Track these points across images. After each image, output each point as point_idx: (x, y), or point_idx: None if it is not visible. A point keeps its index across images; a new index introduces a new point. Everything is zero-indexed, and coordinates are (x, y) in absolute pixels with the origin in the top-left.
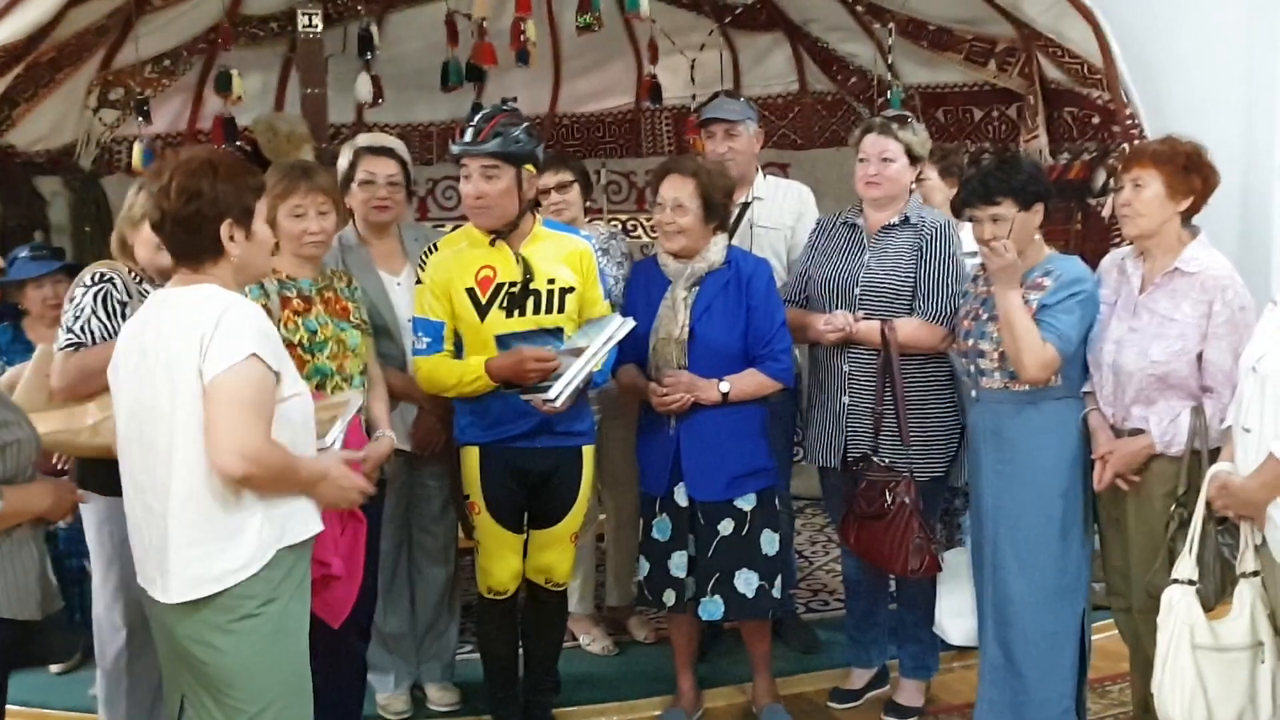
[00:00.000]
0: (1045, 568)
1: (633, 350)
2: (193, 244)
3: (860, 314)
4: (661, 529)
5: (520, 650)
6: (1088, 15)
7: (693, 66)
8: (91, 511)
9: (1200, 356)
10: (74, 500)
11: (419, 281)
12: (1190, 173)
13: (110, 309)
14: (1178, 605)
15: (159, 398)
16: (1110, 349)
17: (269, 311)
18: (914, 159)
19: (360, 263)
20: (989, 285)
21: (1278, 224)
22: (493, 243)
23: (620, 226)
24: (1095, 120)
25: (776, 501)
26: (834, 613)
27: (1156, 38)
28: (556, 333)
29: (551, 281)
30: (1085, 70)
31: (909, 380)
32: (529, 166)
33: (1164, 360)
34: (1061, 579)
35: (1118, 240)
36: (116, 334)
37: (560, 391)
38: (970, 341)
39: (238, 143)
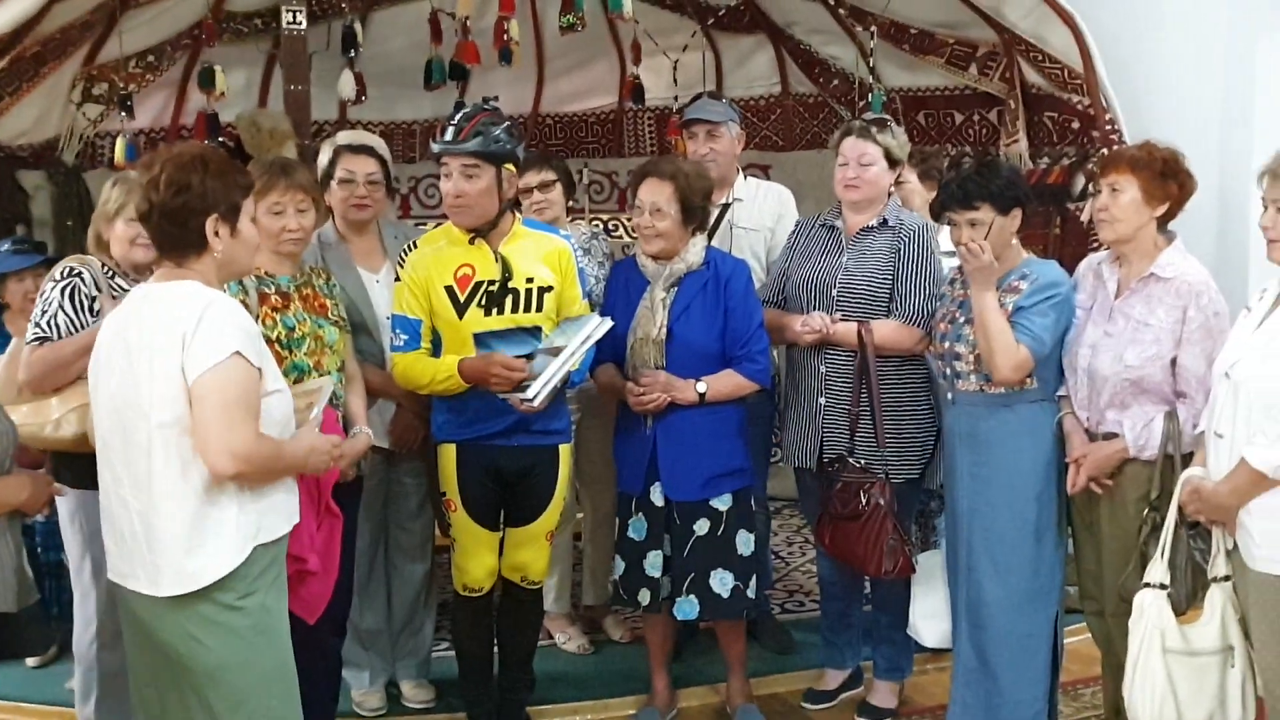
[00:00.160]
0: (1019, 570)
1: (611, 350)
2: (178, 237)
3: (837, 315)
4: (637, 528)
5: (495, 648)
6: (1068, 20)
7: (675, 67)
8: (63, 504)
9: (1174, 362)
10: (51, 493)
11: (398, 279)
12: (1167, 178)
13: (77, 304)
14: (1149, 609)
15: (140, 393)
16: (1085, 353)
17: (246, 307)
18: (893, 162)
19: (339, 260)
20: (966, 288)
21: (1255, 230)
22: (472, 241)
23: (602, 226)
24: (1075, 125)
25: (752, 502)
26: (809, 614)
27: (1137, 43)
28: (534, 331)
29: (530, 280)
30: (1065, 75)
31: (885, 382)
32: (509, 166)
33: (1138, 365)
34: (1035, 582)
35: (1096, 245)
36: (84, 329)
37: (538, 390)
38: (946, 344)
39: (220, 138)
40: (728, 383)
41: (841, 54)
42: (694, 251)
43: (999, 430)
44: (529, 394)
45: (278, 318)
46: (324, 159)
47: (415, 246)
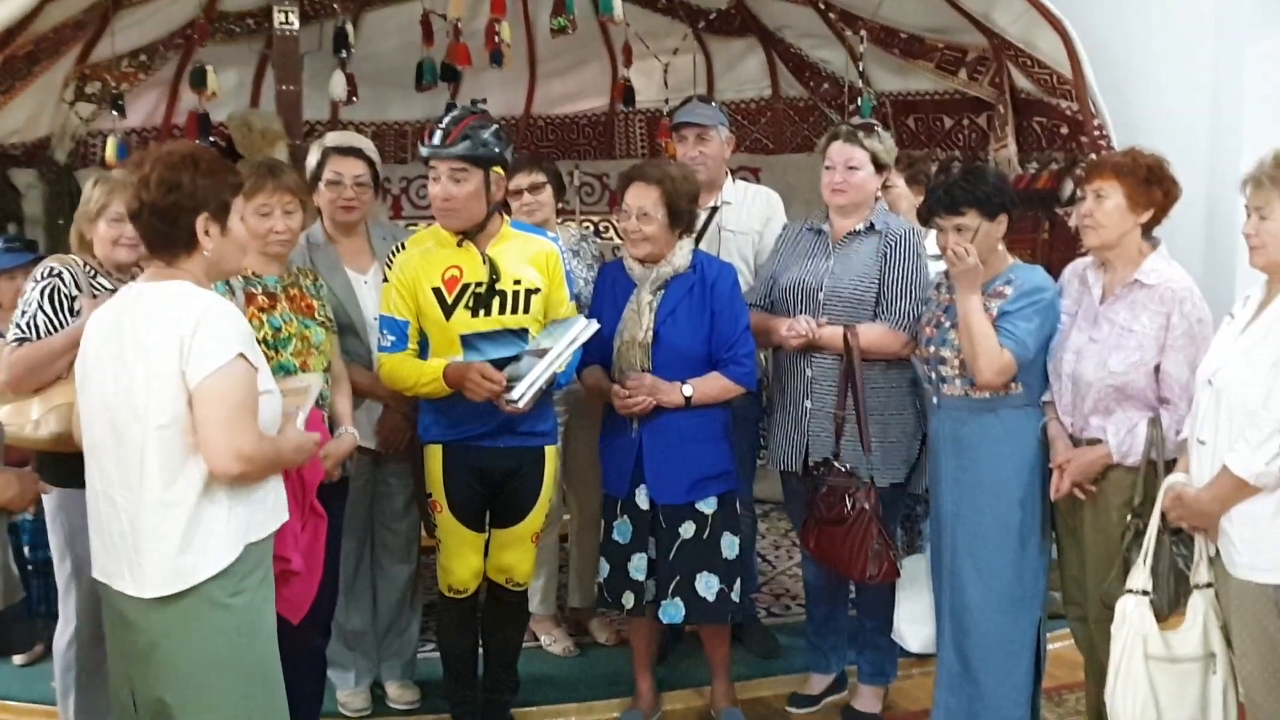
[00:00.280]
0: (1003, 575)
1: (598, 352)
2: (168, 235)
3: (824, 319)
4: (622, 531)
5: (480, 649)
6: (1058, 26)
7: (666, 71)
8: (46, 502)
9: (1158, 368)
10: (37, 491)
11: (386, 280)
12: (1152, 185)
13: (56, 304)
14: (1131, 615)
15: (135, 395)
16: (1070, 359)
17: None
18: (880, 167)
19: (327, 261)
20: (951, 293)
21: (1242, 236)
22: (460, 243)
23: (592, 228)
24: (1064, 130)
25: (738, 505)
26: (794, 618)
27: (1125, 49)
28: (521, 333)
29: (517, 282)
30: (1054, 80)
31: (871, 386)
32: (497, 169)
33: (1122, 371)
34: (1019, 587)
35: (1084, 250)
36: (63, 329)
37: (523, 392)
38: (932, 348)
39: (211, 138)
40: (714, 386)
41: (832, 58)
42: (681, 255)
43: (983, 435)
44: (515, 395)
45: (264, 318)
46: (312, 160)
47: (403, 248)
